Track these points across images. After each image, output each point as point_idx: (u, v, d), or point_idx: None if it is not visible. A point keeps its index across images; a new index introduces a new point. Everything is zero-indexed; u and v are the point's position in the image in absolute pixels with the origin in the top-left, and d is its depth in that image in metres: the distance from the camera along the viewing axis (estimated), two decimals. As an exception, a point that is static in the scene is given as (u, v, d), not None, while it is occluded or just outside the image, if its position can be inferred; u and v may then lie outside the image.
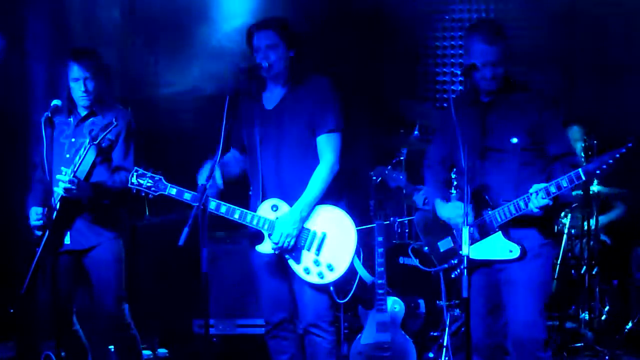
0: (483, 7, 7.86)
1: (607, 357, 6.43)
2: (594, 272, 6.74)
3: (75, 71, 5.33)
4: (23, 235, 5.55)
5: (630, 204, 7.13)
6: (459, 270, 4.78)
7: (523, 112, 4.66)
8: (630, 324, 6.71)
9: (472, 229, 4.64)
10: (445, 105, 7.83)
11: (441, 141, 5.01)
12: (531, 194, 4.47)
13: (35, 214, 5.27)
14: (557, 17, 7.17)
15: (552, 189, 4.41)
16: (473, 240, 4.66)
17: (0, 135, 6.39)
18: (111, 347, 6.03)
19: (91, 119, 5.40)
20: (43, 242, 5.15)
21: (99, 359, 5.89)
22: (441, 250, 4.91)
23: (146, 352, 6.60)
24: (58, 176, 5.14)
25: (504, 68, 4.67)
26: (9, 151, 6.33)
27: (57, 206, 5.18)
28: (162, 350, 6.77)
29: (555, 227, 4.78)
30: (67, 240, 5.34)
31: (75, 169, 5.15)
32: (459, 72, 4.69)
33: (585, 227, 6.67)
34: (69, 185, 5.13)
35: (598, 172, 4.28)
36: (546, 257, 4.70)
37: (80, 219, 5.34)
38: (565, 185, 4.39)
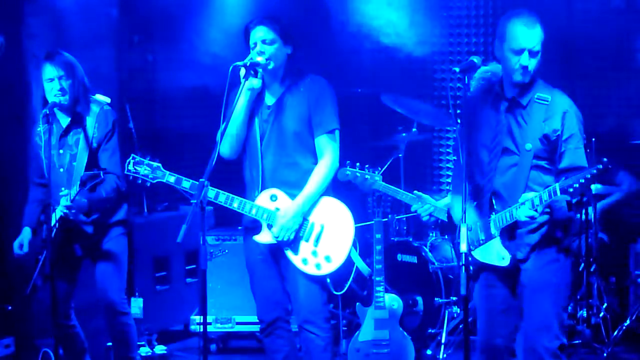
0: (482, 4, 7.87)
1: (604, 355, 6.44)
2: (592, 269, 6.74)
3: (49, 71, 5.27)
4: (21, 235, 5.55)
5: (628, 190, 7.10)
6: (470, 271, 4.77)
7: (543, 118, 4.57)
8: (628, 321, 6.71)
9: (473, 227, 4.64)
10: (443, 102, 7.85)
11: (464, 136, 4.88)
12: (521, 204, 4.45)
13: (18, 244, 5.35)
14: (558, 15, 7.17)
15: (536, 201, 4.39)
16: (479, 242, 4.68)
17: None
18: (109, 343, 6.04)
19: (72, 131, 5.37)
20: (43, 257, 5.20)
21: (97, 357, 5.90)
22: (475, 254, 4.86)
23: (144, 350, 6.61)
24: (60, 202, 5.18)
25: (538, 63, 4.57)
26: (6, 150, 6.32)
27: (57, 225, 5.21)
28: (160, 348, 6.76)
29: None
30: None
31: (70, 200, 5.15)
32: (457, 70, 4.63)
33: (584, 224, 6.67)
34: (67, 211, 5.17)
35: (571, 189, 4.27)
36: (563, 262, 4.64)
37: (85, 227, 5.36)
38: (546, 198, 4.35)
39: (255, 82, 4.99)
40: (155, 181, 5.00)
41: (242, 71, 4.90)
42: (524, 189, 4.55)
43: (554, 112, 4.57)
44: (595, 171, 4.23)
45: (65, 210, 5.16)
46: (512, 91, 4.66)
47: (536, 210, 4.40)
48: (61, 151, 5.36)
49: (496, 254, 4.61)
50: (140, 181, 5.02)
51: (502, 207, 4.60)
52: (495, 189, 4.65)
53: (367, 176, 5.18)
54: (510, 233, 4.61)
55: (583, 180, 4.25)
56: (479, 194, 4.73)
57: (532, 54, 4.54)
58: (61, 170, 5.34)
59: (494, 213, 4.63)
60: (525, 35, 4.53)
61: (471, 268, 4.68)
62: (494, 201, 4.65)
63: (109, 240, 5.42)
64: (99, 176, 5.02)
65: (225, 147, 5.05)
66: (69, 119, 5.38)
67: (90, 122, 5.34)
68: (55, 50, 5.40)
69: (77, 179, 5.20)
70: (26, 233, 5.40)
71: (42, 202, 5.33)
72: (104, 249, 5.41)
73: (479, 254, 4.69)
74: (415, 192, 5.00)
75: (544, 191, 4.37)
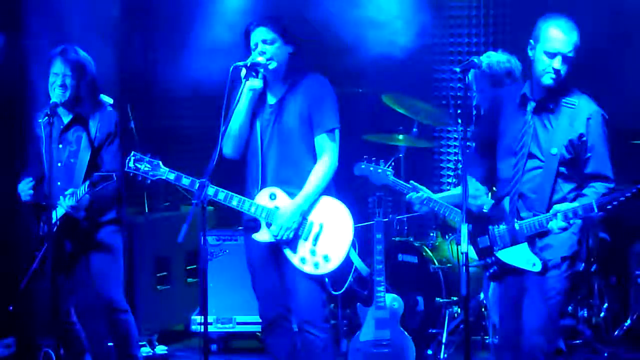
0: (483, 4, 7.86)
1: (605, 355, 6.44)
2: (592, 269, 6.74)
3: (57, 66, 5.33)
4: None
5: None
6: (492, 270, 4.78)
7: (569, 123, 4.59)
8: (629, 321, 6.72)
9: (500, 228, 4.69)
10: (444, 102, 7.85)
11: (481, 131, 4.95)
12: (553, 215, 4.48)
13: (25, 185, 5.36)
14: (557, 12, 7.14)
15: (570, 215, 4.44)
16: (504, 245, 4.69)
17: (-1, 133, 6.41)
18: (110, 343, 6.04)
19: (74, 128, 5.41)
20: (42, 252, 5.27)
21: (99, 357, 5.91)
22: (480, 246, 4.83)
23: (145, 350, 6.61)
24: (60, 201, 5.22)
25: (569, 68, 4.58)
26: (7, 150, 6.33)
27: (58, 223, 5.22)
28: (161, 348, 6.77)
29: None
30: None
31: (76, 200, 5.18)
32: (458, 70, 4.63)
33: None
34: (70, 210, 5.21)
35: (609, 207, 4.35)
36: (565, 270, 4.65)
37: (79, 223, 5.37)
38: (580, 213, 4.42)
39: (256, 83, 5.01)
40: (155, 178, 5.03)
41: (243, 71, 4.92)
42: (551, 194, 4.58)
43: (580, 116, 4.59)
44: (635, 190, 4.30)
45: (69, 210, 5.18)
46: (540, 93, 4.66)
47: (570, 224, 4.46)
48: (60, 146, 5.39)
49: (526, 259, 4.62)
50: (140, 178, 5.04)
51: (529, 213, 4.62)
52: (521, 193, 4.65)
53: (379, 170, 5.41)
54: (533, 238, 4.63)
55: (623, 199, 4.32)
56: (509, 199, 4.69)
57: (565, 59, 4.55)
58: (59, 164, 5.37)
59: (517, 219, 4.64)
60: (561, 40, 4.54)
61: (494, 268, 4.74)
62: (517, 207, 4.65)
63: (102, 238, 5.44)
64: (111, 178, 5.05)
65: (228, 147, 5.08)
66: (71, 115, 5.41)
67: (92, 122, 5.37)
68: (71, 47, 5.43)
69: (79, 178, 5.22)
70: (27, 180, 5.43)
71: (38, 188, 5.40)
72: (98, 246, 5.43)
73: (506, 257, 4.70)
74: (411, 182, 5.11)
75: (579, 206, 4.43)
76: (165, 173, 5.02)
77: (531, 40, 4.66)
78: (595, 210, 4.38)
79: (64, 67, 5.32)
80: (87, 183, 5.10)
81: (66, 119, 5.42)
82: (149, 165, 5.02)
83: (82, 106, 5.40)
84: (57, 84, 5.32)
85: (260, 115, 5.11)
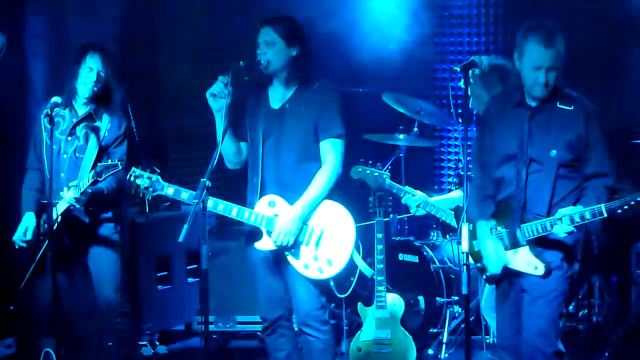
0: (483, 3, 7.87)
1: (606, 354, 6.44)
2: (593, 269, 6.74)
3: (95, 61, 5.34)
4: (23, 221, 5.56)
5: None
6: (489, 274, 4.78)
7: (567, 125, 4.57)
8: (629, 321, 6.71)
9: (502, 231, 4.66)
10: (444, 102, 7.85)
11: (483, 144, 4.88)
12: (558, 219, 4.46)
13: (22, 230, 5.37)
14: (557, 12, 7.16)
15: (576, 218, 4.42)
16: (503, 248, 4.66)
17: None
18: (110, 343, 6.05)
19: (85, 123, 5.41)
20: (43, 249, 5.28)
21: (98, 357, 5.91)
22: (476, 249, 4.79)
23: (146, 350, 6.61)
24: (62, 194, 5.19)
25: (558, 75, 4.55)
26: (7, 149, 6.33)
27: (59, 219, 5.22)
28: (161, 347, 6.77)
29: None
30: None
31: (80, 192, 5.18)
32: (458, 69, 4.63)
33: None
34: (76, 204, 5.19)
35: (619, 211, 4.35)
36: (566, 271, 4.65)
37: (80, 219, 5.37)
38: (588, 217, 4.41)
39: (220, 101, 4.93)
40: (155, 194, 5.06)
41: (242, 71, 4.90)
42: (551, 196, 4.56)
43: (578, 117, 4.58)
44: None
45: (73, 202, 5.18)
46: (534, 101, 4.65)
47: (576, 228, 4.45)
48: (69, 138, 5.40)
49: (527, 262, 4.60)
50: (141, 194, 5.07)
51: (529, 216, 4.60)
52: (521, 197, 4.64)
53: (375, 173, 5.54)
54: (534, 241, 4.61)
55: (633, 203, 4.32)
56: (509, 203, 4.68)
57: (550, 70, 4.52)
58: (64, 156, 5.37)
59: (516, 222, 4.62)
60: (543, 55, 4.50)
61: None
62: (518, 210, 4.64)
63: (102, 235, 5.45)
64: (117, 167, 5.06)
65: (227, 163, 5.12)
66: (87, 109, 5.41)
67: (104, 122, 5.38)
68: (109, 49, 5.49)
69: (84, 173, 5.21)
70: (30, 219, 5.41)
71: (41, 189, 5.40)
72: (97, 244, 5.44)
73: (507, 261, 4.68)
74: (406, 187, 5.13)
75: (587, 210, 4.41)
76: (164, 188, 5.03)
77: (516, 53, 4.63)
78: (605, 215, 4.37)
79: (102, 64, 5.34)
80: (92, 173, 5.10)
81: (81, 112, 5.43)
82: (148, 181, 5.04)
83: (100, 105, 5.42)
84: (91, 79, 5.32)
85: (263, 120, 5.07)
